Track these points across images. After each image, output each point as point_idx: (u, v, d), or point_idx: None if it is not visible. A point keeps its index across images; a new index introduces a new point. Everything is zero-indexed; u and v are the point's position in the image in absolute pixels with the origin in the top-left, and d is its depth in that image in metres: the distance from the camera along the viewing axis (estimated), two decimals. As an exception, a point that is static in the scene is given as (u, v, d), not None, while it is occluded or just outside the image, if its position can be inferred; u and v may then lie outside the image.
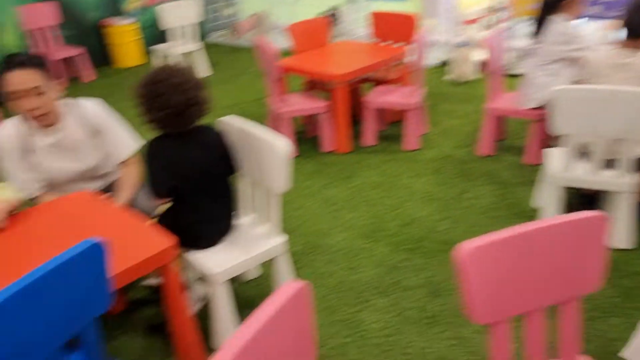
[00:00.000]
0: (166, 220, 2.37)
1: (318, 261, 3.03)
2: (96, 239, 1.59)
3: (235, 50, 8.08)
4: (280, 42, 7.17)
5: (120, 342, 2.54)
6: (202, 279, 2.59)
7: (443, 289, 2.74)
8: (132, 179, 2.63)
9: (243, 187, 2.58)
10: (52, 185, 2.62)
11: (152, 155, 2.24)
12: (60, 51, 6.76)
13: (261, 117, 5.20)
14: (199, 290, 2.59)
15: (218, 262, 2.34)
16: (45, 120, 2.42)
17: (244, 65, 7.21)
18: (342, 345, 2.43)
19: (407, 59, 4.57)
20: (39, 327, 1.48)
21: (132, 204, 2.60)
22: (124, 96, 6.16)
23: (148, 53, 7.72)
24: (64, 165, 2.55)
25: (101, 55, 7.48)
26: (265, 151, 2.28)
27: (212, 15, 8.87)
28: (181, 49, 6.60)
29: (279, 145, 2.21)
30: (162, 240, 2.05)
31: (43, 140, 2.48)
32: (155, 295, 2.78)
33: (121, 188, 2.62)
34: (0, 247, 2.04)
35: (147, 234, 2.10)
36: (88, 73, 7.00)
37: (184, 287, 2.24)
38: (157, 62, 6.74)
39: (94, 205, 2.35)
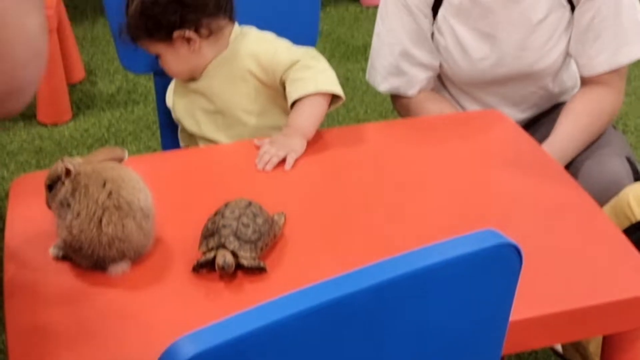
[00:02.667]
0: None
1: None
2: (504, 236, 0.58)
3: None
4: None
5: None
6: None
7: None
8: (595, 114, 1.31)
9: None
10: (448, 84, 1.45)
11: None
12: None
13: None
14: None
15: None
16: None
17: None
18: None
19: None
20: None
21: (581, 169, 1.27)
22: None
23: None
24: (484, 51, 1.33)
25: None
26: None
27: None
28: None
29: None
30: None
31: None
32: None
33: (563, 121, 1.31)
34: (317, 174, 1.16)
35: (605, 249, 0.95)
36: None
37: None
38: None
39: (514, 144, 1.22)
